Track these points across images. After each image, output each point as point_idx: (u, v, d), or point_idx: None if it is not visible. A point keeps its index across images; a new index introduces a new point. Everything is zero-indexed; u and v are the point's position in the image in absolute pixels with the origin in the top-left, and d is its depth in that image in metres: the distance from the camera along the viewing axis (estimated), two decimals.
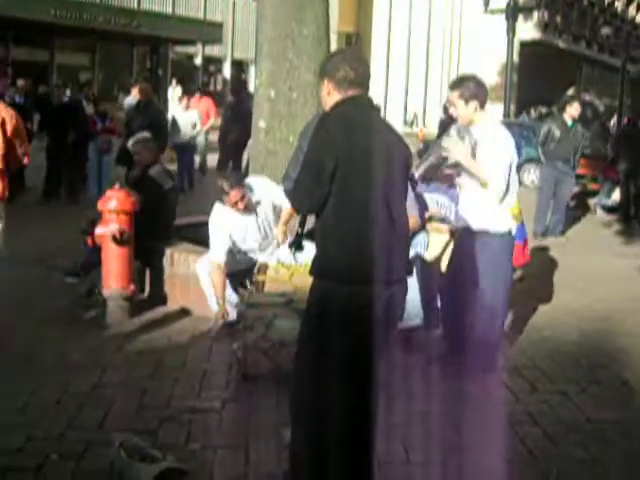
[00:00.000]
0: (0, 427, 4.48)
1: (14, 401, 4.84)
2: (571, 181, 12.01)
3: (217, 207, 6.36)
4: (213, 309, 6.27)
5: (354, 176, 3.45)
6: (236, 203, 6.17)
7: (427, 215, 6.62)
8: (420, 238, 6.31)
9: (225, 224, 6.28)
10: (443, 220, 6.63)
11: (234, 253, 6.37)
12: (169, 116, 14.86)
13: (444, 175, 5.61)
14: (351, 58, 3.72)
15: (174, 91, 28.70)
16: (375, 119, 3.73)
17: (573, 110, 11.63)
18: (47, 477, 3.95)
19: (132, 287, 6.57)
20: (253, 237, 6.41)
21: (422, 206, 6.57)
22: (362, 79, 3.66)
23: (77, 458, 4.13)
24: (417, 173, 5.48)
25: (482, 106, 5.43)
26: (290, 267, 5.79)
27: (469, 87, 5.43)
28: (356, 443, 3.54)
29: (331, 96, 3.68)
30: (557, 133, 11.53)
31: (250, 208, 6.30)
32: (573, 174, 11.93)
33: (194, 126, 14.84)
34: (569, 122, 11.58)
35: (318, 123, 3.62)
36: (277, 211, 6.39)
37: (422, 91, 44.01)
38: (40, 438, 4.35)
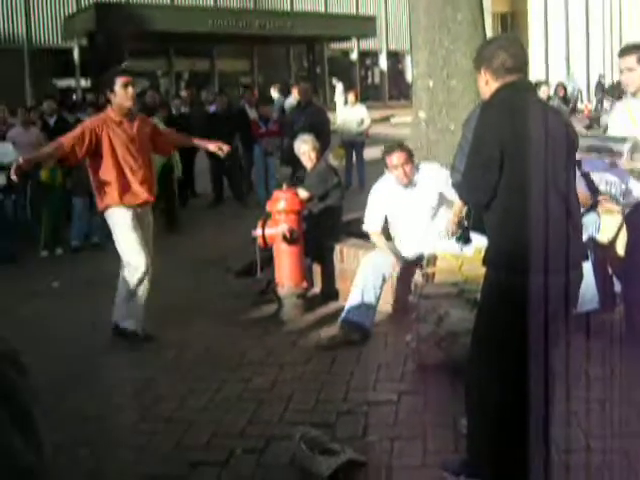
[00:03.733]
0: (187, 424, 4.68)
1: (199, 399, 5.07)
2: None
3: (383, 177, 6.45)
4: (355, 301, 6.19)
5: (521, 164, 3.40)
6: (397, 167, 6.21)
7: (599, 198, 6.42)
8: (591, 219, 6.12)
9: (383, 193, 6.36)
10: (614, 200, 6.41)
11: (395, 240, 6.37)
12: (337, 114, 14.87)
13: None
14: (506, 44, 3.68)
15: (337, 88, 29.04)
16: (537, 103, 3.67)
17: None
18: (233, 472, 4.09)
19: (305, 284, 6.74)
20: (413, 217, 6.35)
21: (591, 185, 6.38)
22: (519, 64, 3.61)
23: (259, 452, 4.26)
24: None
25: None
26: (459, 257, 5.74)
27: None
28: (533, 431, 3.49)
29: (489, 85, 3.65)
30: None
31: (412, 181, 6.30)
32: None
33: (361, 122, 14.78)
34: None
35: (481, 113, 3.59)
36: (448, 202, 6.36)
37: (584, 67, 42.56)
38: (224, 434, 4.52)
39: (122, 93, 6.02)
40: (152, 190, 6.26)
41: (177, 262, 6.19)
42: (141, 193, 6.14)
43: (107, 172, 6.03)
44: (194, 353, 5.95)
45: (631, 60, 5.26)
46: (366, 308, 6.06)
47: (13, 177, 5.49)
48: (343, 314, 6.14)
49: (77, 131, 6.01)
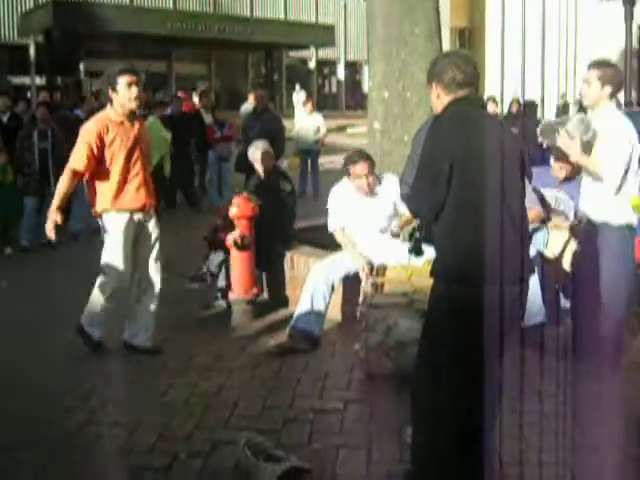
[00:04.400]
0: (132, 426, 4.66)
1: (145, 403, 5.05)
2: None
3: (341, 181, 6.49)
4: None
5: (471, 177, 3.44)
6: (360, 177, 6.24)
7: (550, 214, 6.53)
8: (540, 235, 6.22)
9: (344, 197, 6.40)
10: (562, 216, 6.52)
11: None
12: (295, 122, 14.90)
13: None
14: (458, 59, 3.71)
15: (298, 96, 29.01)
16: (486, 117, 3.73)
17: None
18: (176, 476, 4.08)
19: (255, 290, 6.73)
20: (370, 226, 6.37)
21: (543, 201, 6.49)
22: (470, 79, 3.65)
23: (204, 457, 4.25)
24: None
25: (613, 95, 5.37)
26: (408, 268, 5.79)
27: (610, 72, 5.38)
28: (478, 443, 3.53)
29: (441, 99, 3.70)
30: None
31: (373, 191, 6.33)
32: None
33: (317, 131, 14.84)
34: None
35: (431, 126, 3.62)
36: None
37: (539, 82, 43.08)
38: (169, 438, 4.50)
39: (126, 93, 5.65)
40: (151, 194, 5.93)
41: None
42: (139, 198, 5.80)
43: (104, 174, 5.69)
44: (141, 357, 5.91)
45: (592, 74, 5.38)
46: (315, 316, 6.07)
47: None
48: (292, 322, 6.15)
49: (82, 144, 5.62)
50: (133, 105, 5.72)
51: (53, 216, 5.48)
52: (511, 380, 4.42)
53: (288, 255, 7.16)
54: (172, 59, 31.69)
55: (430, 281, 3.66)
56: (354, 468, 4.15)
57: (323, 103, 34.21)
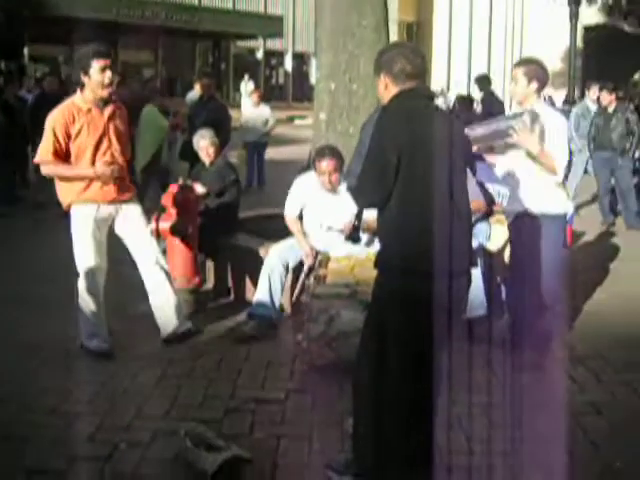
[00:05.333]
0: (72, 416, 4.61)
1: (85, 392, 4.99)
2: (624, 170, 11.29)
3: (308, 174, 6.47)
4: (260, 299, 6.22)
5: (417, 168, 3.46)
6: (324, 173, 6.19)
7: (494, 207, 6.60)
8: (482, 228, 6.29)
9: (306, 188, 6.39)
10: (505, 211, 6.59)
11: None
12: (242, 112, 14.70)
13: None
14: (406, 51, 3.74)
15: (246, 86, 28.82)
16: (433, 109, 3.74)
17: (593, 95, 11.37)
18: (116, 466, 4.04)
19: (197, 280, 6.69)
20: (326, 220, 6.31)
21: (486, 194, 6.55)
22: (418, 71, 3.67)
23: (144, 447, 4.22)
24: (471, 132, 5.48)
25: (539, 91, 5.48)
26: (351, 259, 5.81)
27: (536, 68, 5.50)
28: (417, 432, 3.56)
29: (388, 90, 3.70)
30: (598, 120, 11.35)
31: (336, 189, 6.28)
32: (626, 162, 11.27)
33: (265, 122, 14.67)
34: (610, 108, 11.24)
35: (378, 118, 3.63)
36: None
37: None
38: (109, 427, 4.46)
39: (98, 78, 5.28)
40: (124, 187, 5.58)
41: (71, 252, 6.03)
42: (108, 190, 5.45)
43: (70, 165, 5.41)
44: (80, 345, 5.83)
45: (518, 72, 5.50)
46: (272, 298, 6.14)
47: None
48: (250, 309, 6.23)
49: (49, 135, 5.32)
50: (105, 92, 5.38)
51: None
52: (452, 371, 4.46)
53: (232, 245, 7.12)
54: (118, 46, 31.30)
55: (373, 272, 3.67)
56: (295, 458, 4.16)
57: (270, 94, 34.09)
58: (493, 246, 6.40)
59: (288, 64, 38.56)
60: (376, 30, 7.52)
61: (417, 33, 42.98)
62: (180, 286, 6.51)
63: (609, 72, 37.71)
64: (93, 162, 5.42)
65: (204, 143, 7.44)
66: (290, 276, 6.34)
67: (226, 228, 7.24)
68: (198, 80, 11.62)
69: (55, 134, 5.33)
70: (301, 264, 6.30)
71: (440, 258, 3.42)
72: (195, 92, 14.19)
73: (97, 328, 5.64)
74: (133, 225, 5.69)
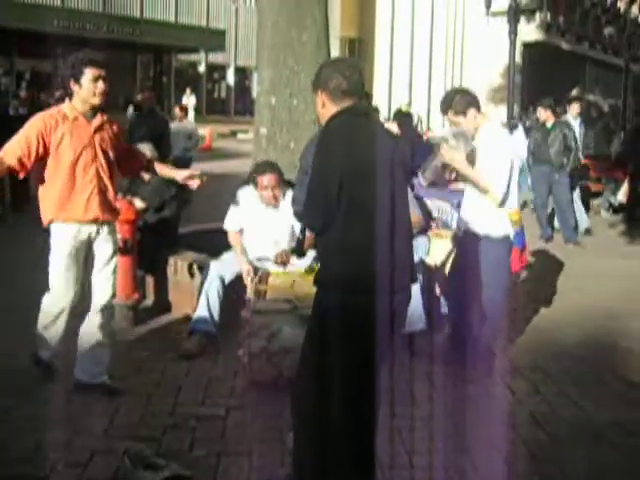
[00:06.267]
0: (8, 435, 4.52)
1: (22, 410, 4.87)
2: (562, 185, 11.44)
3: (248, 188, 6.41)
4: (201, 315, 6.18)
5: (359, 190, 3.46)
6: (266, 189, 6.16)
7: (432, 223, 6.65)
8: (421, 242, 6.33)
9: (247, 202, 6.34)
10: (445, 225, 6.66)
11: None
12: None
13: (449, 179, 5.64)
14: (343, 67, 3.72)
15: (188, 100, 28.64)
16: (372, 127, 3.74)
17: (543, 113, 11.49)
18: None
19: (136, 296, 6.63)
20: (266, 234, 6.28)
21: (424, 210, 6.60)
22: (355, 87, 3.65)
23: (82, 467, 4.14)
24: (424, 178, 5.49)
25: (479, 110, 5.50)
26: (291, 275, 5.80)
27: (457, 101, 5.51)
28: (358, 447, 3.56)
29: (326, 108, 3.68)
30: (536, 136, 11.54)
31: (277, 204, 6.25)
32: (564, 177, 11.40)
33: (189, 137, 14.15)
34: (548, 125, 11.40)
35: (318, 142, 3.60)
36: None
37: (426, 94, 44.01)
38: (46, 447, 4.38)
39: (90, 87, 4.95)
40: (108, 206, 5.18)
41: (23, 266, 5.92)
42: (90, 208, 5.04)
43: (51, 179, 5.00)
44: (17, 364, 5.71)
45: (450, 115, 5.54)
46: (211, 313, 6.10)
47: None
48: (191, 324, 6.17)
49: (21, 138, 4.92)
50: (96, 101, 5.02)
51: None
52: (391, 386, 4.48)
53: (172, 260, 7.06)
54: (58, 58, 30.96)
55: (313, 288, 3.67)
56: (235, 475, 4.13)
57: (212, 108, 34.05)
58: (432, 260, 6.45)
59: (230, 78, 38.55)
60: (317, 45, 7.54)
61: (359, 49, 43.30)
62: (119, 302, 6.43)
63: (548, 88, 38.47)
64: (73, 173, 5.02)
65: None
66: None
67: (166, 243, 7.19)
68: (139, 93, 11.56)
69: (27, 138, 4.95)
70: (239, 278, 6.26)
71: (382, 275, 3.43)
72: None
73: (48, 341, 5.34)
74: (101, 261, 5.27)
